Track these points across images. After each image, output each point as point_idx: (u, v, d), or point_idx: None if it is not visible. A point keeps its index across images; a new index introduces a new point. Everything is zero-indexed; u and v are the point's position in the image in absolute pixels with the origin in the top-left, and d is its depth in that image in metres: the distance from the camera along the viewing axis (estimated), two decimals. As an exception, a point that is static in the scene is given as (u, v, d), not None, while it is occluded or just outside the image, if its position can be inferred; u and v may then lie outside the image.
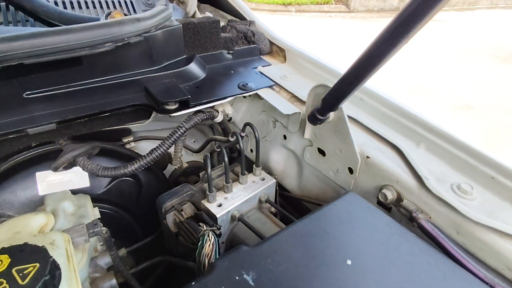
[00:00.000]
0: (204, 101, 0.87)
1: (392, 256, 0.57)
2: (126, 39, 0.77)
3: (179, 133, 0.89)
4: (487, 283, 0.55)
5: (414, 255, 0.58)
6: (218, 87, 0.95)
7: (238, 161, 1.05)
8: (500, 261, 0.59)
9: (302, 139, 0.95)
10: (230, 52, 1.08)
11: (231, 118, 1.18)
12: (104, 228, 0.73)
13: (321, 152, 0.91)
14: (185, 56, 0.98)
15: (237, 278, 0.53)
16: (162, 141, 0.89)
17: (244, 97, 1.08)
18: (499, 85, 5.05)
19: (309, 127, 0.90)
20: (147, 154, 0.86)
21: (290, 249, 0.58)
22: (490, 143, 3.59)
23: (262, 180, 0.96)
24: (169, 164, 1.26)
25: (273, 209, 0.97)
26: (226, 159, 0.87)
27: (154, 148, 0.87)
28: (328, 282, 0.52)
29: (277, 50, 1.20)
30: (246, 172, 0.96)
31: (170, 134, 0.89)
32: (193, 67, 0.95)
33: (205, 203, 0.88)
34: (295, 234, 0.62)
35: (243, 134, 1.01)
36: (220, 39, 1.05)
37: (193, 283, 0.53)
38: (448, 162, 0.74)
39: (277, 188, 0.99)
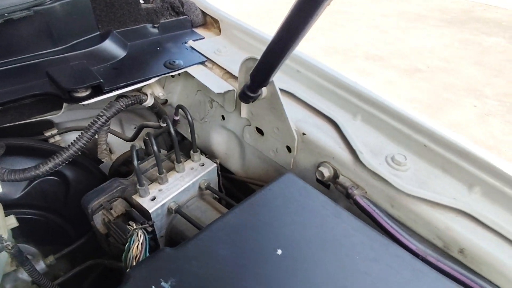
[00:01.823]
0: (121, 84, 0.76)
1: (325, 240, 0.55)
2: (6, 14, 0.63)
3: (100, 123, 0.78)
4: (418, 255, 0.54)
5: (349, 236, 0.55)
6: (140, 67, 0.84)
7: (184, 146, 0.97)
8: (431, 231, 0.59)
9: (240, 119, 0.89)
10: (156, 25, 0.96)
11: (166, 100, 1.08)
12: (9, 243, 0.63)
13: (260, 131, 0.85)
14: (98, 32, 0.85)
15: (153, 287, 0.47)
16: (80, 133, 0.78)
17: (173, 76, 0.98)
18: (445, 47, 5.28)
19: (244, 105, 0.84)
20: (63, 150, 0.75)
21: (217, 246, 0.54)
22: (436, 103, 3.79)
23: (202, 166, 0.89)
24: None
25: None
26: (155, 148, 0.79)
27: (71, 143, 0.76)
28: (256, 278, 0.48)
29: (211, 22, 1.09)
30: (183, 159, 0.88)
31: (89, 124, 0.79)
32: (109, 45, 0.83)
33: (136, 198, 0.80)
34: (224, 228, 0.57)
35: (176, 118, 0.93)
36: (140, 10, 0.92)
37: None
38: (383, 132, 0.72)
39: (219, 172, 0.93)
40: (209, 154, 1.00)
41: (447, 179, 0.63)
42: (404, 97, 3.90)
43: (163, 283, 0.48)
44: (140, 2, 0.91)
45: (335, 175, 0.70)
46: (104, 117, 0.78)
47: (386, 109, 0.72)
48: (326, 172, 0.70)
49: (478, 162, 0.60)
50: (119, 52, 0.84)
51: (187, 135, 1.06)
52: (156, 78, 0.84)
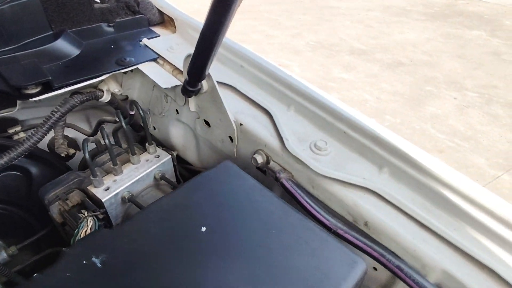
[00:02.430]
0: (71, 81, 0.78)
1: (247, 217, 0.58)
2: None
3: (54, 118, 0.80)
4: (330, 229, 0.59)
5: (269, 213, 0.59)
6: (92, 64, 0.86)
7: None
8: (343, 208, 0.64)
9: (191, 112, 0.92)
10: (111, 24, 0.98)
11: (127, 96, 1.10)
12: None
13: (207, 123, 0.89)
14: (51, 32, 0.87)
15: (84, 262, 0.50)
16: (34, 129, 0.80)
17: (125, 73, 1.00)
18: (428, 41, 5.36)
19: (192, 99, 0.87)
20: (18, 145, 0.77)
21: (149, 225, 0.57)
22: (418, 96, 3.85)
23: (157, 157, 0.91)
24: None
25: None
26: (107, 141, 0.81)
27: (26, 138, 0.78)
28: (180, 252, 0.52)
29: (168, 20, 1.11)
30: (140, 151, 0.91)
31: (43, 120, 0.81)
32: (61, 44, 0.85)
33: (91, 188, 0.82)
34: (158, 209, 0.60)
35: (132, 113, 0.95)
36: (94, 10, 0.94)
37: (35, 274, 0.50)
38: (311, 121, 0.77)
39: (175, 163, 0.96)
40: (169, 146, 1.03)
41: (362, 162, 0.68)
42: (387, 91, 3.96)
43: (94, 259, 0.51)
44: (93, 2, 0.93)
45: (267, 161, 0.74)
46: (59, 113, 0.80)
47: (314, 100, 0.76)
48: (260, 159, 0.74)
49: (387, 146, 0.64)
50: (73, 51, 0.86)
51: (151, 129, 1.09)
52: (107, 75, 0.86)
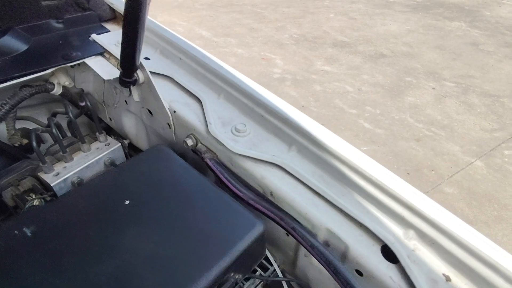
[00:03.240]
0: (16, 75, 0.82)
1: (170, 191, 0.65)
2: None
3: (4, 110, 0.84)
4: (243, 199, 0.67)
5: (190, 187, 0.66)
6: (38, 59, 0.90)
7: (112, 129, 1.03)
8: (254, 181, 0.71)
9: (137, 102, 0.97)
10: (60, 21, 1.01)
11: (82, 89, 1.13)
12: None
13: (150, 112, 0.94)
14: None
15: (16, 232, 0.55)
16: None
17: (72, 66, 1.04)
18: (409, 33, 5.45)
19: (135, 90, 0.92)
20: None
21: (79, 200, 0.64)
22: (398, 87, 3.95)
23: (107, 145, 0.97)
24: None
25: None
26: (54, 131, 0.86)
27: None
28: (105, 222, 0.58)
29: (119, 16, 1.15)
30: (90, 140, 0.97)
31: None
32: (8, 40, 0.88)
33: (42, 174, 0.88)
34: (90, 187, 0.67)
35: (82, 104, 1.00)
36: (42, 7, 0.96)
37: None
38: (237, 107, 0.85)
39: (126, 151, 1.00)
40: (123, 135, 1.08)
41: (274, 141, 0.76)
42: (368, 82, 4.04)
43: (25, 229, 0.56)
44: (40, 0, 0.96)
45: (196, 144, 0.82)
46: (8, 105, 0.84)
47: (239, 88, 0.83)
48: (190, 142, 0.81)
49: (295, 127, 0.72)
50: (20, 46, 0.89)
51: (106, 120, 1.13)
52: (52, 69, 0.90)
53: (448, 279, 0.52)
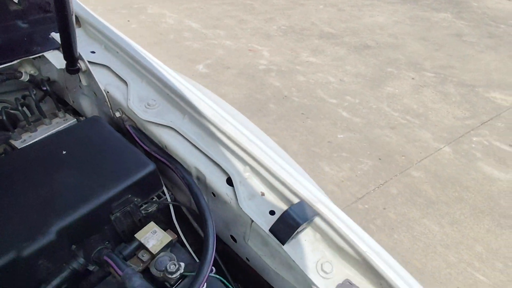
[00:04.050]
0: None
1: (96, 145, 0.86)
2: None
3: None
4: (150, 153, 0.89)
5: (110, 142, 0.87)
6: (7, 53, 1.10)
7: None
8: (157, 139, 0.94)
9: (86, 86, 1.17)
10: (25, 22, 1.19)
11: (48, 77, 1.31)
12: None
13: (95, 93, 1.15)
14: None
15: None
16: None
17: (34, 58, 1.22)
18: (396, 24, 5.57)
19: (82, 77, 1.11)
20: None
21: (27, 152, 0.83)
22: (379, 77, 4.10)
23: (64, 120, 1.18)
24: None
25: None
26: (19, 107, 1.08)
27: None
28: (42, 165, 0.78)
29: (77, 19, 1.33)
30: (51, 116, 1.18)
31: None
32: None
33: (12, 141, 1.08)
34: (36, 144, 0.87)
35: (44, 88, 1.19)
36: (9, 12, 1.15)
37: None
38: (152, 88, 1.07)
39: None
40: (83, 114, 1.28)
41: (174, 112, 0.98)
42: (351, 73, 4.19)
43: None
44: (10, 4, 1.13)
45: (122, 115, 1.04)
46: None
47: (154, 74, 1.05)
48: (118, 114, 1.04)
49: (187, 102, 0.95)
50: None
51: (70, 102, 1.34)
52: (17, 61, 1.11)
53: (262, 194, 0.76)
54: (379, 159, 2.95)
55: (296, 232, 0.62)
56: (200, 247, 0.71)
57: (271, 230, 0.64)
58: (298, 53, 4.56)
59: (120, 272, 0.62)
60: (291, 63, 4.29)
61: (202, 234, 0.84)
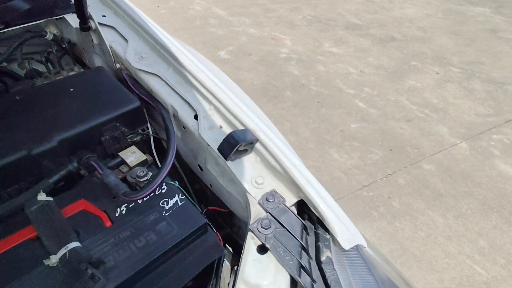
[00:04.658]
0: (22, 21, 1.19)
1: (95, 85, 1.03)
2: None
3: (15, 45, 1.20)
4: (137, 93, 1.04)
5: (107, 85, 1.03)
6: (35, 14, 1.27)
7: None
8: (145, 84, 1.10)
9: (97, 44, 1.33)
10: None
11: (69, 39, 1.49)
12: None
13: (103, 51, 1.31)
14: None
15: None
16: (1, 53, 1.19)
17: (56, 19, 1.40)
18: (427, 17, 5.38)
19: (93, 35, 1.27)
20: None
21: (40, 90, 1.00)
22: (401, 70, 4.03)
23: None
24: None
25: None
26: (43, 59, 1.30)
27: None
28: (52, 96, 0.96)
29: None
30: (68, 70, 1.36)
31: (7, 47, 1.20)
32: (17, 3, 1.25)
33: None
34: (48, 85, 1.04)
35: (63, 46, 1.37)
36: None
37: None
38: (145, 43, 1.22)
39: None
40: None
41: (162, 64, 1.13)
42: (372, 65, 4.15)
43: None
44: None
45: (121, 68, 1.20)
46: (17, 42, 1.21)
47: (148, 33, 1.19)
48: (118, 66, 1.19)
49: (173, 56, 1.09)
50: (25, 6, 1.26)
51: (86, 62, 1.50)
52: (42, 20, 1.27)
53: (220, 127, 0.90)
54: (390, 150, 2.95)
55: (236, 149, 0.73)
56: (175, 177, 0.87)
57: (218, 149, 0.77)
58: (320, 43, 4.56)
59: (100, 171, 0.79)
60: (313, 53, 4.31)
61: (177, 165, 0.99)
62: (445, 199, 2.52)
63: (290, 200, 0.70)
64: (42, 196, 0.71)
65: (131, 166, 0.85)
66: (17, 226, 0.68)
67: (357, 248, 0.58)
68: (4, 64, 1.23)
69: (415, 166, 2.80)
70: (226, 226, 0.92)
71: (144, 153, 0.89)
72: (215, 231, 0.76)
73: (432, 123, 3.26)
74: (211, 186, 0.92)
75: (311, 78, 3.83)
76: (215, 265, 0.67)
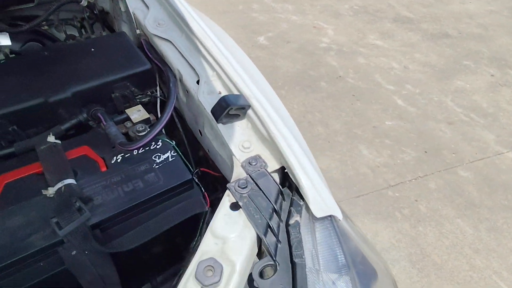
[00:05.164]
0: None
1: (113, 46, 1.11)
2: None
3: (52, 9, 1.29)
4: (150, 58, 1.09)
5: (124, 48, 1.10)
6: None
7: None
8: (158, 48, 1.13)
9: (123, 12, 1.39)
10: None
11: (102, 8, 1.57)
12: None
13: (128, 18, 1.38)
14: None
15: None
16: (40, 16, 1.29)
17: None
18: (489, 14, 4.90)
19: (121, 3, 1.33)
20: (30, 23, 1.27)
21: (64, 47, 1.10)
22: (451, 69, 3.74)
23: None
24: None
25: None
26: (75, 23, 1.39)
27: (37, 19, 1.29)
28: (74, 53, 1.05)
29: None
30: (99, 35, 1.44)
31: (45, 10, 1.30)
32: None
33: None
34: (73, 44, 1.16)
35: (95, 12, 1.47)
36: None
37: None
38: (166, 12, 1.24)
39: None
40: None
41: (176, 30, 1.15)
42: (418, 61, 3.90)
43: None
44: None
45: (141, 32, 1.25)
46: (55, 6, 1.28)
47: (169, 3, 1.21)
48: (138, 32, 1.24)
49: (185, 23, 1.10)
50: None
51: (116, 29, 1.57)
52: None
53: (219, 92, 0.91)
54: (425, 152, 2.78)
55: (227, 112, 0.75)
56: (180, 143, 0.94)
57: (211, 111, 0.80)
58: (365, 34, 4.36)
59: (104, 123, 0.87)
60: (355, 44, 4.14)
61: (180, 128, 1.05)
62: (479, 209, 2.34)
63: (273, 166, 0.72)
64: (51, 138, 0.81)
65: (134, 122, 0.92)
66: (28, 161, 0.78)
67: (330, 218, 0.58)
68: (45, 27, 1.34)
69: (450, 171, 2.62)
70: (219, 190, 0.95)
71: (149, 114, 0.96)
72: (203, 191, 0.79)
73: (477, 128, 3.01)
74: (208, 151, 0.96)
75: (349, 70, 3.70)
76: (200, 223, 0.70)
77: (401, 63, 3.86)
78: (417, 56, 3.98)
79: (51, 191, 0.68)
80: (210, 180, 0.96)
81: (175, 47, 1.07)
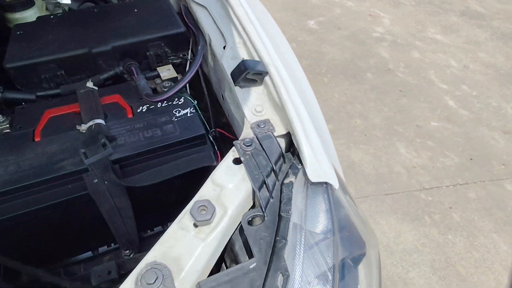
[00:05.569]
0: None
1: (151, 7, 1.19)
2: None
3: None
4: (185, 21, 1.14)
5: (162, 9, 1.17)
6: None
7: None
8: (194, 14, 1.16)
9: None
10: None
11: None
12: None
13: None
14: None
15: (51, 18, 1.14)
16: None
17: None
18: None
19: None
20: None
21: (109, 7, 1.23)
22: (518, 74, 3.37)
23: None
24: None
25: None
26: None
27: None
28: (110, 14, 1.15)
29: None
30: None
31: None
32: None
33: None
34: (117, 4, 1.26)
35: None
36: None
37: None
38: None
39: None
40: None
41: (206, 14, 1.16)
42: (481, 61, 3.56)
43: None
44: None
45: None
46: None
47: None
48: (182, 2, 1.27)
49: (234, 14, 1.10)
50: None
51: None
52: None
53: (242, 59, 0.88)
54: (470, 159, 2.60)
55: (244, 75, 0.78)
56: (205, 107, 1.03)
57: (231, 74, 0.83)
58: (424, 27, 4.06)
59: (136, 76, 0.97)
60: (411, 37, 3.88)
61: (205, 92, 1.10)
62: (521, 228, 2.16)
63: (280, 131, 0.75)
64: (90, 84, 0.94)
65: (163, 79, 1.01)
66: (69, 102, 0.92)
67: (326, 185, 0.59)
68: None
69: (496, 183, 2.43)
70: None
71: (178, 74, 1.04)
72: (215, 148, 0.88)
73: (538, 141, 2.72)
74: (227, 116, 1.00)
75: (400, 64, 3.50)
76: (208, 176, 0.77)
77: (461, 61, 3.56)
78: (481, 56, 3.63)
79: (83, 127, 0.81)
80: (228, 142, 1.01)
81: (209, 12, 1.11)
